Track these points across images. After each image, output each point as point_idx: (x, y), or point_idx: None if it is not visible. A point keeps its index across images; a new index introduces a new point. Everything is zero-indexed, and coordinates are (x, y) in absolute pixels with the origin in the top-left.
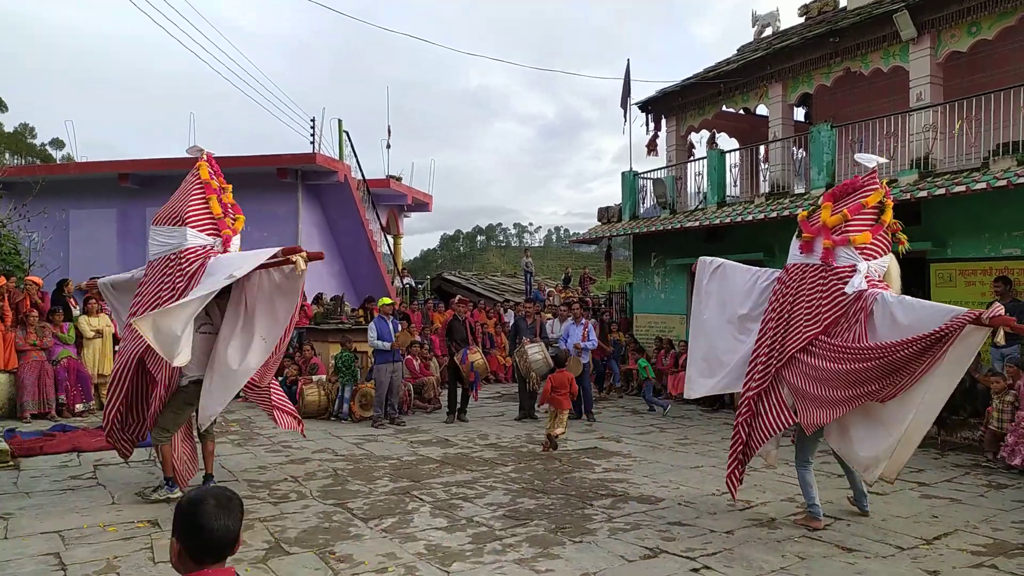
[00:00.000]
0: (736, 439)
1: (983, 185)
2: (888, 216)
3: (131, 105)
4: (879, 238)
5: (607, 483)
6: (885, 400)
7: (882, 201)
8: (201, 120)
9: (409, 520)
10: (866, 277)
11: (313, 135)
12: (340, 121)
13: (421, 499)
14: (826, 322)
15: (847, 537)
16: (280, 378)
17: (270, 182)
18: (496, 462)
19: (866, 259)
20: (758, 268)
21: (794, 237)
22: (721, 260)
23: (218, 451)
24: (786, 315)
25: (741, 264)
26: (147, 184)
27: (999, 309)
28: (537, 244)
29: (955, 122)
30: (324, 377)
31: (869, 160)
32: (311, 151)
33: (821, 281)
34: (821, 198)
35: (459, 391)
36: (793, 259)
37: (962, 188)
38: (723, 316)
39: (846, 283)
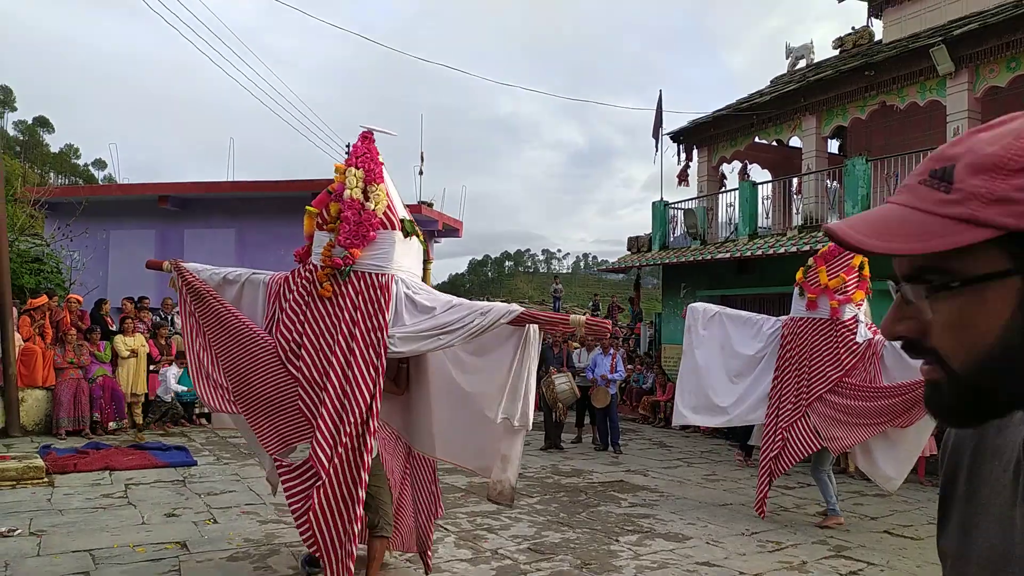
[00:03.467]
0: (764, 465)
1: None
2: (867, 271)
3: (173, 129)
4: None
5: (633, 518)
6: (904, 427)
7: (863, 261)
8: (240, 144)
9: (434, 551)
10: (866, 325)
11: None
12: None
13: (446, 529)
14: (847, 367)
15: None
16: None
17: (303, 206)
18: (521, 492)
19: (858, 308)
20: (759, 315)
21: (796, 294)
22: (716, 308)
23: (246, 472)
24: (806, 362)
25: (741, 312)
26: (186, 206)
27: None
28: (565, 271)
29: None
30: None
31: None
32: None
33: (833, 333)
34: (813, 260)
35: None
36: (799, 314)
37: None
38: (720, 358)
39: (854, 333)
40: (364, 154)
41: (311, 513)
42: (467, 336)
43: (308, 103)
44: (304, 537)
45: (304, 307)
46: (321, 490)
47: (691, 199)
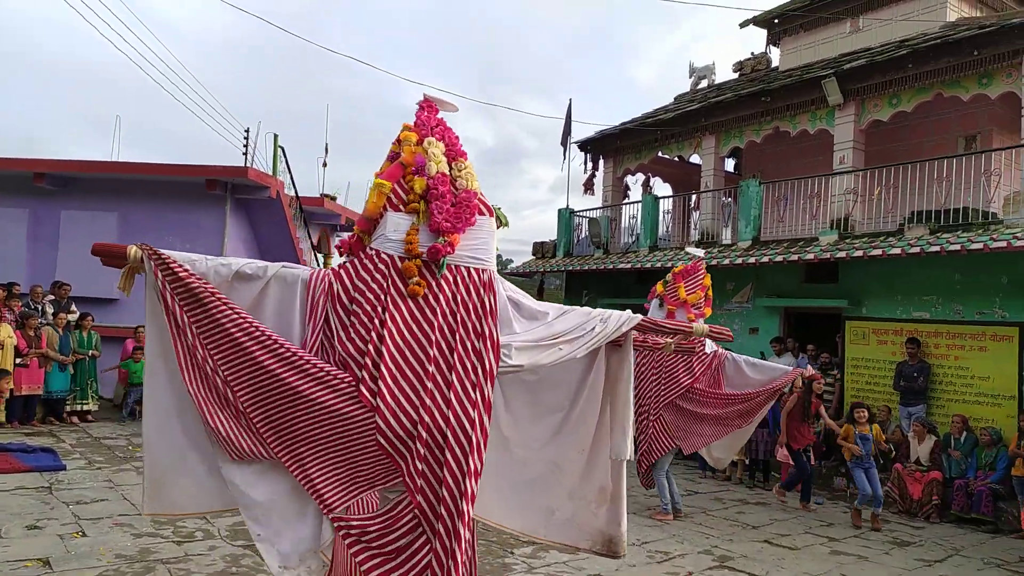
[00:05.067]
0: (642, 459)
1: (898, 250)
2: (710, 293)
3: (54, 100)
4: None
5: None
6: (741, 427)
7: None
8: (129, 123)
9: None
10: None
11: (247, 148)
12: (276, 136)
13: None
14: (696, 374)
15: None
16: None
17: (197, 193)
18: None
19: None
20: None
21: (656, 305)
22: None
23: (120, 479)
24: (663, 368)
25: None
26: (64, 186)
27: (813, 372)
28: None
29: (874, 188)
30: None
31: (698, 251)
32: (243, 164)
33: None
34: (672, 276)
35: None
36: None
37: (879, 252)
38: None
39: (704, 344)
40: (437, 125)
41: None
42: (590, 346)
43: (206, 84)
44: None
45: (381, 311)
46: (430, 549)
47: (596, 208)
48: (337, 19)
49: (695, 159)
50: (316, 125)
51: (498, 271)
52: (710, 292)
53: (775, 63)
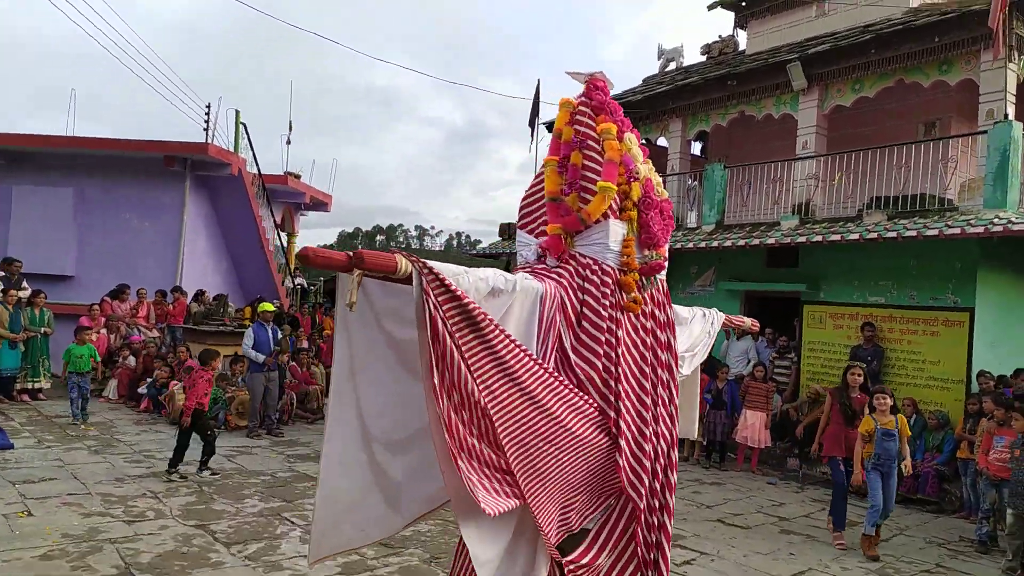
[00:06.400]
0: None
1: (856, 236)
2: None
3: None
4: None
5: None
6: None
7: None
8: (85, 96)
9: (276, 546)
10: None
11: (207, 123)
12: (238, 112)
13: (292, 522)
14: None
15: (711, 575)
16: (150, 380)
17: (155, 169)
18: None
19: None
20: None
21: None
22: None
23: (71, 458)
24: None
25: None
26: (16, 160)
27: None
28: (438, 248)
29: (835, 173)
30: None
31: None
32: (204, 140)
33: None
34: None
35: None
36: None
37: (837, 237)
38: None
39: None
40: (619, 112)
41: None
42: (707, 350)
43: (166, 58)
44: None
45: (612, 325)
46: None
47: None
48: None
49: (662, 142)
50: (280, 102)
51: (466, 251)
52: None
53: (742, 46)
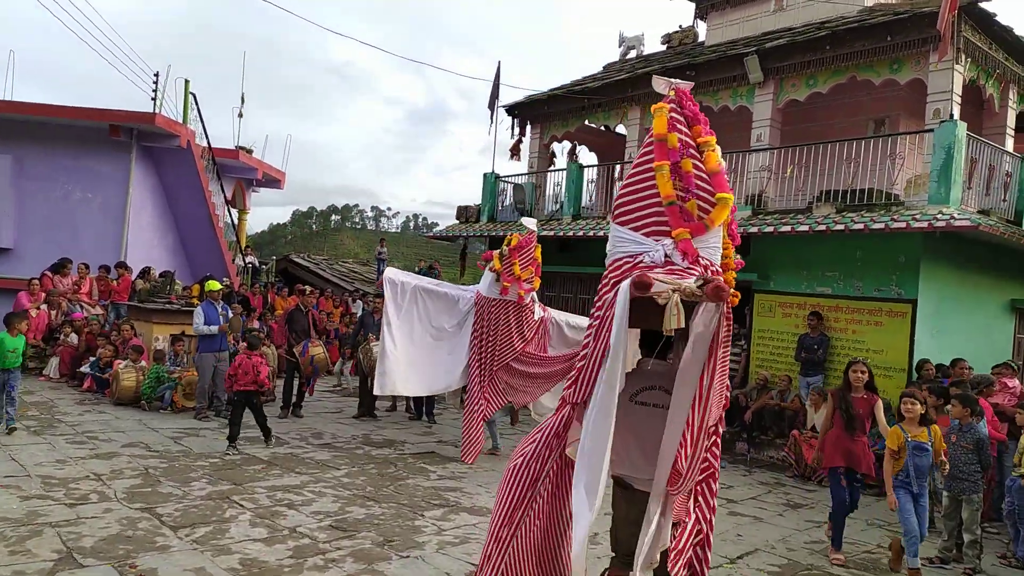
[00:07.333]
0: (470, 417)
1: (806, 228)
2: (540, 265)
3: None
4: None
5: (440, 492)
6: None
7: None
8: (25, 59)
9: (225, 530)
10: (539, 305)
11: (155, 93)
12: (187, 81)
13: (241, 505)
14: (528, 339)
15: None
16: (93, 359)
17: (100, 139)
18: (328, 465)
19: (534, 291)
20: (455, 291)
21: (492, 279)
22: (413, 281)
23: (9, 440)
24: (499, 334)
25: (439, 286)
26: None
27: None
28: (394, 230)
29: (787, 166)
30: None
31: (531, 223)
32: (151, 110)
33: (519, 312)
34: (508, 250)
35: (296, 384)
36: (492, 294)
37: (788, 228)
38: (422, 325)
39: (533, 312)
40: (708, 122)
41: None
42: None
43: (112, 22)
44: None
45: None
46: None
47: (521, 174)
48: None
49: (621, 129)
50: (233, 74)
51: (422, 235)
52: (540, 265)
53: (702, 37)
